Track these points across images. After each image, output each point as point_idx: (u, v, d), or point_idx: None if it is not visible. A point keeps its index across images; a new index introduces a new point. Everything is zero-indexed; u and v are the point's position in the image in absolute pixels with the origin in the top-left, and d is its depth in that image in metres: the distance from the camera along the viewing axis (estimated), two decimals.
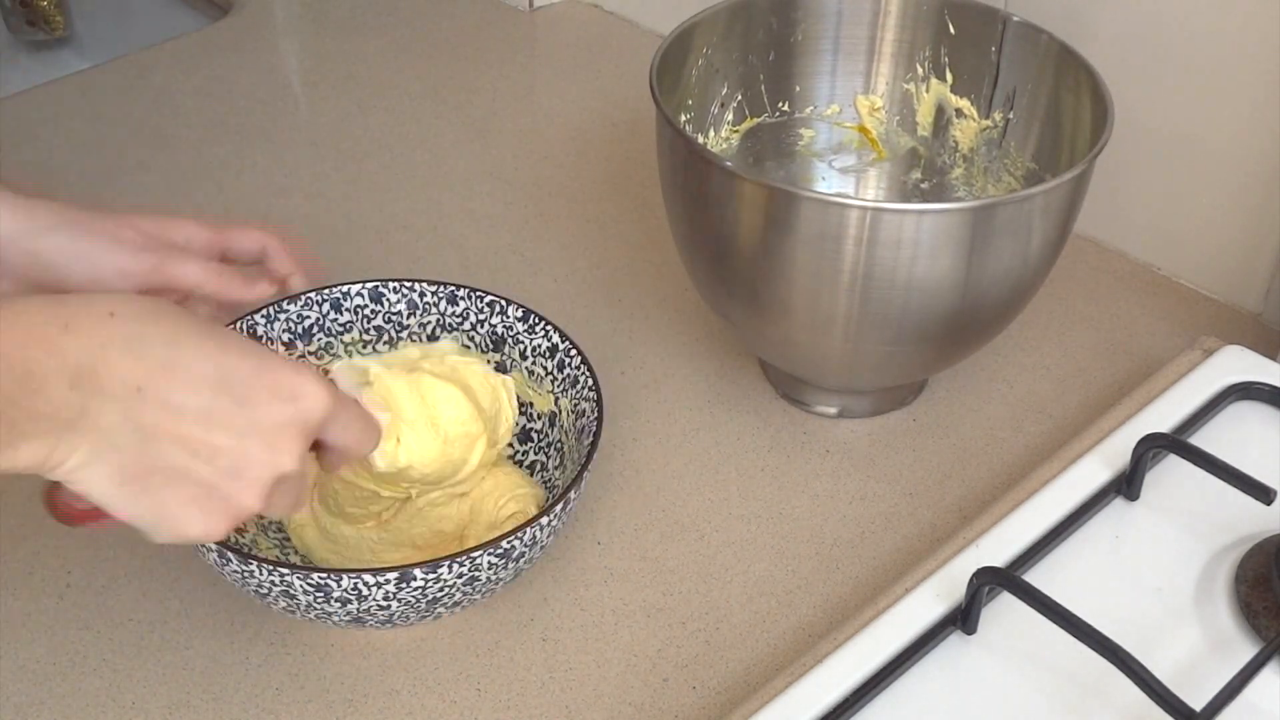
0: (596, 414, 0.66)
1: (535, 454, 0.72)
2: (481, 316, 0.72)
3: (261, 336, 0.70)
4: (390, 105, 1.06)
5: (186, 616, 0.65)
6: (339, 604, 0.58)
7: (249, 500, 0.51)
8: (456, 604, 0.60)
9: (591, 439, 0.65)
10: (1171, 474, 0.68)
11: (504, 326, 0.71)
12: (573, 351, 0.68)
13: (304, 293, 0.71)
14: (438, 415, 0.62)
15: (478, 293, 0.72)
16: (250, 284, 0.65)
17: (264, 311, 0.70)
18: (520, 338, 0.71)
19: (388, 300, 0.72)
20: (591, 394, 0.67)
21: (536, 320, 0.70)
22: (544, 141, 1.02)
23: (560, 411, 0.70)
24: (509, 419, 0.66)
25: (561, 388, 0.69)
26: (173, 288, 0.63)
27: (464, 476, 0.64)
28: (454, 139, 1.02)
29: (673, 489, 0.73)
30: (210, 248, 0.66)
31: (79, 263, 0.62)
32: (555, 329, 0.69)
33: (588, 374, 0.67)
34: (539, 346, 0.70)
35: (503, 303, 0.71)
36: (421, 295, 0.72)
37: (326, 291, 0.71)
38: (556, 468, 0.70)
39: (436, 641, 0.64)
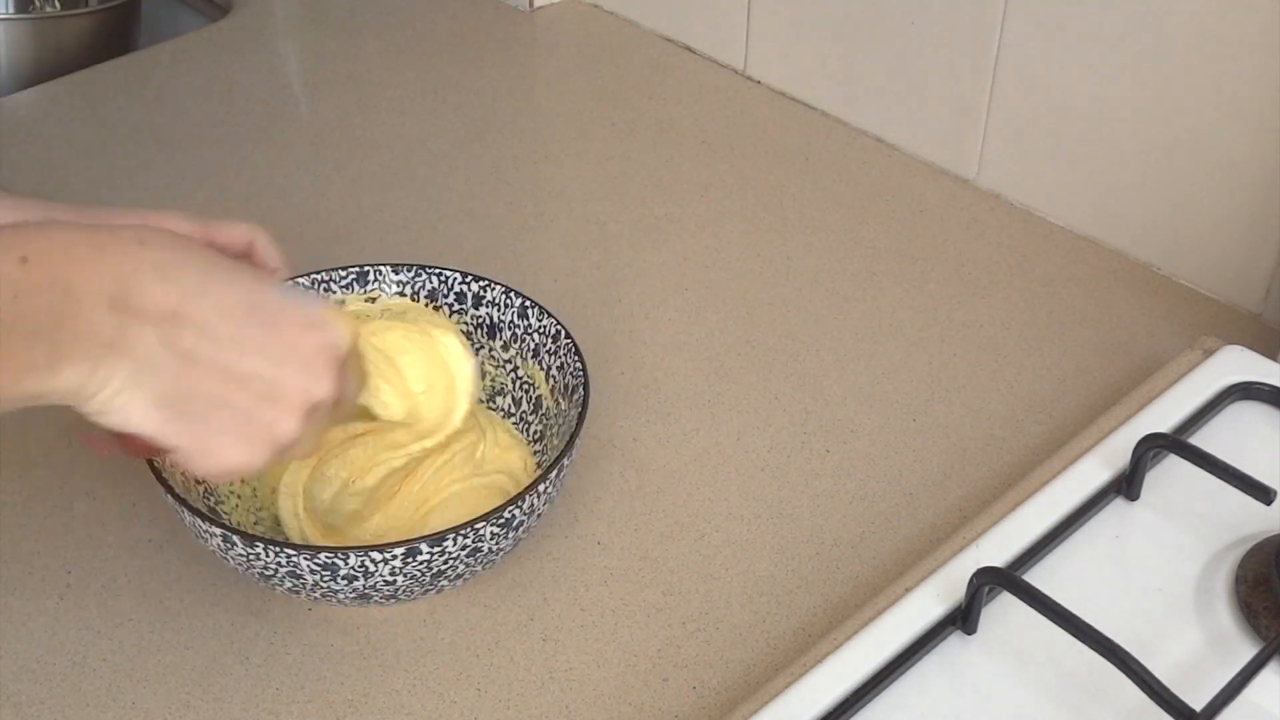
0: (582, 376, 0.67)
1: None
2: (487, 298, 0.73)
3: None
4: (390, 105, 1.06)
5: (186, 616, 0.65)
6: (345, 581, 0.58)
7: (286, 425, 0.52)
8: (459, 576, 0.61)
9: (581, 403, 0.66)
10: (1171, 474, 0.68)
11: (504, 317, 0.73)
12: (557, 329, 0.69)
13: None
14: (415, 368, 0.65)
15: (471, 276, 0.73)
16: None
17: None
18: (515, 324, 0.73)
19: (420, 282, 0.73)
20: (575, 359, 0.68)
21: (529, 305, 0.72)
22: (544, 141, 1.02)
23: (544, 392, 0.71)
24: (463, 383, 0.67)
25: (545, 363, 0.71)
26: None
27: (442, 428, 0.66)
28: (454, 139, 1.02)
29: (673, 489, 0.73)
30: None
31: None
32: (546, 311, 0.71)
33: (572, 349, 0.69)
34: (534, 327, 0.72)
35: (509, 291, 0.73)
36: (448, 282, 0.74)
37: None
38: (539, 439, 0.71)
39: (436, 641, 0.64)
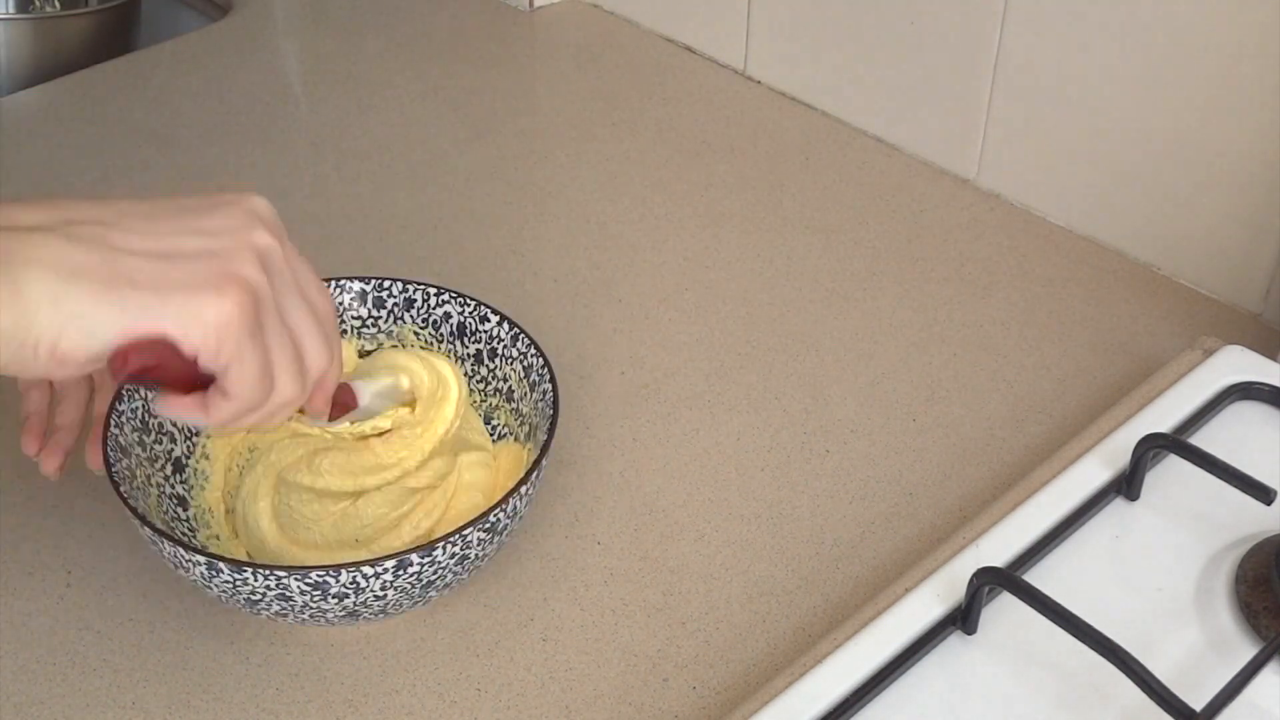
0: (550, 379, 0.67)
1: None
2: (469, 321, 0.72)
3: None
4: (390, 105, 1.06)
5: (186, 616, 0.65)
6: (335, 599, 0.58)
7: (245, 268, 0.49)
8: (448, 585, 0.61)
9: (552, 403, 0.65)
10: (1171, 474, 0.68)
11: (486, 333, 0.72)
12: (545, 371, 0.68)
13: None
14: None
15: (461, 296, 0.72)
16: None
17: None
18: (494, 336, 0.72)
19: (390, 295, 0.73)
20: (549, 395, 0.67)
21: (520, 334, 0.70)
22: (544, 141, 1.02)
23: (526, 426, 0.70)
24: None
25: (530, 404, 0.70)
26: None
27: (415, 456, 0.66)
28: (454, 139, 1.02)
29: (673, 489, 0.73)
30: None
31: None
32: (533, 344, 0.69)
33: (552, 393, 0.67)
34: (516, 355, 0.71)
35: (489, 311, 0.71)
36: (420, 293, 0.73)
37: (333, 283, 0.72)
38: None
39: (436, 641, 0.64)
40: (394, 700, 0.62)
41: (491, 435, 0.72)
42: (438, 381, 0.67)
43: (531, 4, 1.18)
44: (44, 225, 0.45)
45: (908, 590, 0.61)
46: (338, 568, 0.56)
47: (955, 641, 0.60)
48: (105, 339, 0.46)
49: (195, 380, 0.51)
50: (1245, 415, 0.72)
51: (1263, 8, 0.76)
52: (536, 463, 0.62)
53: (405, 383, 0.67)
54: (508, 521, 0.61)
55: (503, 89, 1.08)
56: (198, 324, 0.47)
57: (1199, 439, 0.69)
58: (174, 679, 0.62)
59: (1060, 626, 0.57)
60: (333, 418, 0.62)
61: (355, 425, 0.65)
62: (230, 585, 0.58)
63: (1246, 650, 0.59)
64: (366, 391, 0.65)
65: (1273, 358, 0.74)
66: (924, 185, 0.97)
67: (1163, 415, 0.70)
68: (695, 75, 1.10)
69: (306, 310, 0.53)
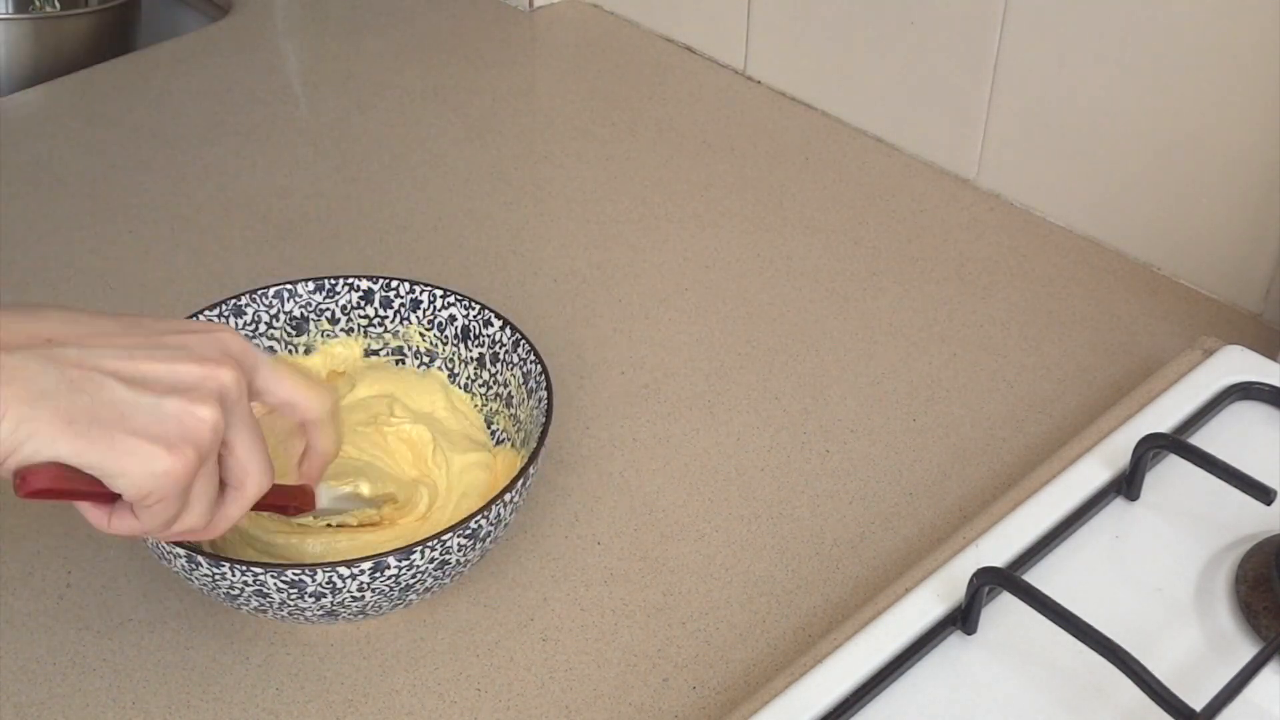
0: (546, 387, 0.66)
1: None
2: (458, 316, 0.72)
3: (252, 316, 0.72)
4: (390, 105, 1.06)
5: (186, 616, 0.65)
6: (313, 599, 0.58)
7: (204, 413, 0.49)
8: (428, 589, 0.61)
9: (546, 411, 0.65)
10: (1171, 474, 0.68)
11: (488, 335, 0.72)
12: (542, 379, 0.68)
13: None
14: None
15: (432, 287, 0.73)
16: None
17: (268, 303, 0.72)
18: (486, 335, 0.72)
19: (383, 295, 0.73)
20: (542, 386, 0.67)
21: (520, 337, 0.70)
22: (544, 141, 1.02)
23: (521, 420, 0.70)
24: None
25: (526, 410, 0.69)
26: None
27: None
28: (454, 139, 1.02)
29: (673, 489, 0.73)
30: None
31: None
32: (533, 351, 0.69)
33: (546, 393, 0.67)
34: (514, 358, 0.70)
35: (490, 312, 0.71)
36: (419, 293, 0.73)
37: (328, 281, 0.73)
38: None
39: (436, 641, 0.64)
40: (394, 700, 0.62)
41: (492, 439, 0.72)
42: (412, 493, 0.68)
43: (531, 4, 1.18)
44: (26, 345, 0.47)
45: (908, 590, 0.61)
46: (314, 567, 0.57)
47: (955, 641, 0.60)
48: (48, 458, 0.47)
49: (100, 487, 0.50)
50: (1245, 415, 0.72)
51: (1263, 8, 0.76)
52: (524, 470, 0.62)
53: (365, 489, 0.66)
54: (490, 529, 0.61)
55: (503, 89, 1.08)
56: (139, 473, 0.48)
57: (1199, 439, 0.69)
58: (174, 679, 0.62)
59: (1060, 626, 0.57)
60: (289, 513, 0.62)
61: (319, 519, 0.65)
62: (209, 579, 0.58)
63: (1246, 650, 0.59)
64: (326, 495, 0.64)
65: (1273, 358, 0.74)
66: (924, 185, 0.97)
67: (1163, 415, 0.70)
68: (695, 75, 1.10)
69: (257, 439, 0.53)
